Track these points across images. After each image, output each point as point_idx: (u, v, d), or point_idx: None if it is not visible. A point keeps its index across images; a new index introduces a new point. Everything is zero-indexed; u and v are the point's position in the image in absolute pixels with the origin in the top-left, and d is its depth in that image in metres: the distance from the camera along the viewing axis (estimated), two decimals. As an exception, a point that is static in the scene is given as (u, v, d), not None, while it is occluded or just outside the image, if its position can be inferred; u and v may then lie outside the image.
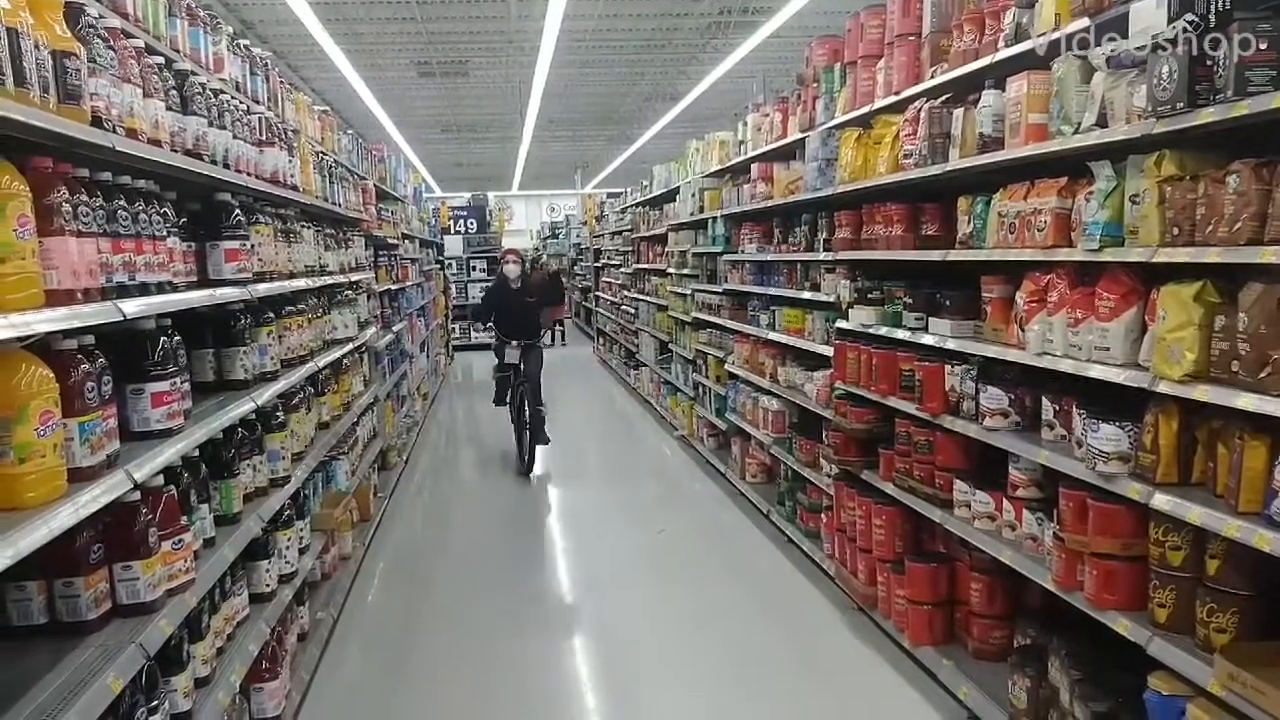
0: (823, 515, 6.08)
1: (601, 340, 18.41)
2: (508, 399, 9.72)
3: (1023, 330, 3.71)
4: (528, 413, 9.17)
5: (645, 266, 13.16)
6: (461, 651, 5.22)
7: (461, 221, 22.09)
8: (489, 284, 21.26)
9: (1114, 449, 3.13)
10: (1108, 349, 3.21)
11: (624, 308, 15.29)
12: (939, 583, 4.62)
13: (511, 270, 9.67)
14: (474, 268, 21.77)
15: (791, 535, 6.66)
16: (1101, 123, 3.24)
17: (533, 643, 5.33)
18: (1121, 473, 3.13)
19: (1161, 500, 2.93)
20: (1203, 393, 2.75)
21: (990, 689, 4.09)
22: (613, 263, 17.40)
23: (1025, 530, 3.84)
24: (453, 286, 20.25)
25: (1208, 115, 2.70)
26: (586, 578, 6.41)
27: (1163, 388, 2.90)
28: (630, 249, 14.87)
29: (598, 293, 19.45)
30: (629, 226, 15.23)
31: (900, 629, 4.83)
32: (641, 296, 13.47)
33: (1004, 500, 4.00)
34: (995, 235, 3.91)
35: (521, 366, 9.30)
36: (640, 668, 5.01)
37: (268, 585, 4.19)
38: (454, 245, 21.29)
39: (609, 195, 21.79)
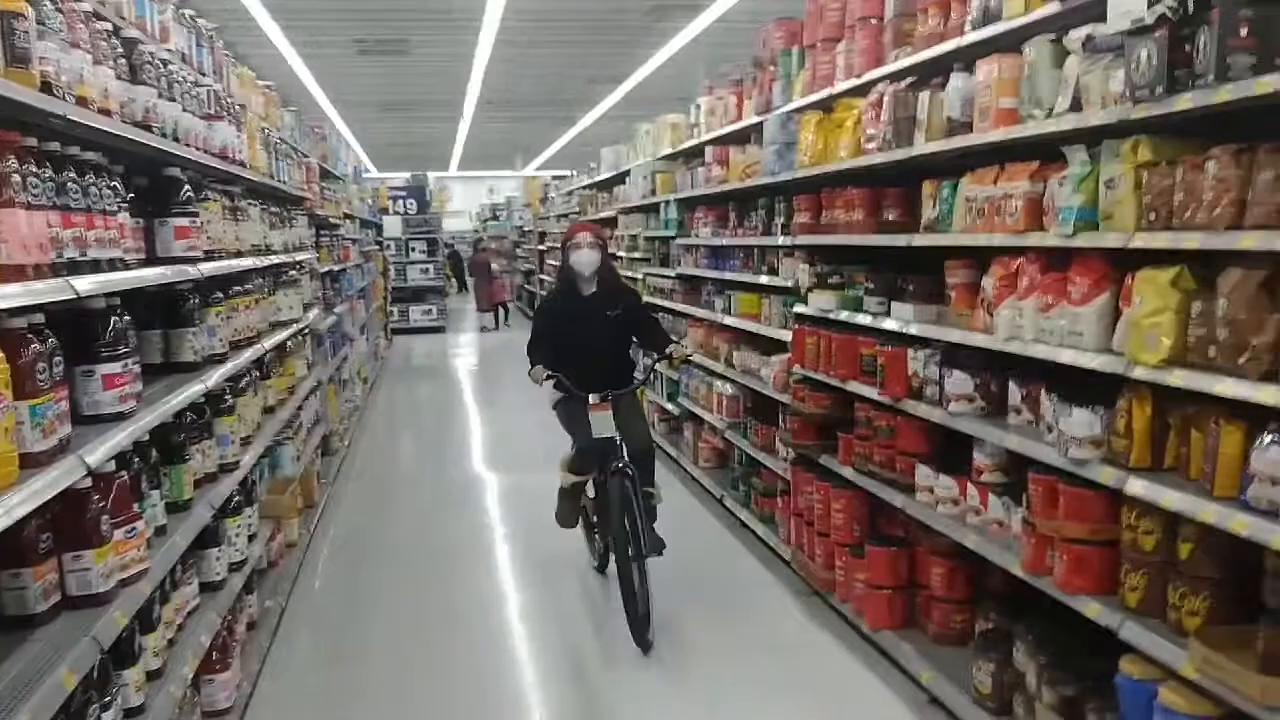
0: (778, 499, 6.06)
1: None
2: (583, 505, 5.81)
3: (991, 315, 3.71)
4: (635, 509, 5.06)
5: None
6: (411, 637, 5.15)
7: (401, 202, 21.77)
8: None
9: (1087, 434, 3.13)
10: (1080, 334, 3.20)
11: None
12: (899, 567, 4.62)
13: (585, 261, 5.43)
14: (413, 249, 21.49)
15: (745, 520, 6.64)
16: (1076, 107, 3.23)
17: (484, 626, 5.30)
18: (1093, 458, 3.13)
19: (1136, 485, 2.93)
20: (1179, 378, 2.75)
21: (951, 673, 4.10)
22: (558, 245, 17.26)
23: (990, 515, 3.84)
24: (392, 268, 19.96)
25: (1186, 101, 2.69)
26: (534, 563, 6.31)
27: (1138, 373, 2.90)
28: (576, 232, 14.75)
29: (542, 275, 19.32)
30: (576, 209, 15.12)
31: (858, 613, 4.82)
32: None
33: (968, 485, 4.00)
34: (963, 219, 3.90)
35: (620, 439, 5.21)
36: (590, 651, 4.97)
37: (218, 574, 4.06)
38: (392, 226, 20.99)
39: (554, 178, 21.62)
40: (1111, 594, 3.14)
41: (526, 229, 23.32)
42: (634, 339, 5.80)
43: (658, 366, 6.53)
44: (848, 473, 4.95)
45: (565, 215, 16.68)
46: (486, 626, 5.32)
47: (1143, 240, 2.89)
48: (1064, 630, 3.53)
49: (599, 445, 5.20)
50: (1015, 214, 3.51)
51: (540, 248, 19.73)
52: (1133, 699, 2.94)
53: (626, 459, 5.17)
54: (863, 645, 4.80)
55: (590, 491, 5.65)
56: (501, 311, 21.96)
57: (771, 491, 6.24)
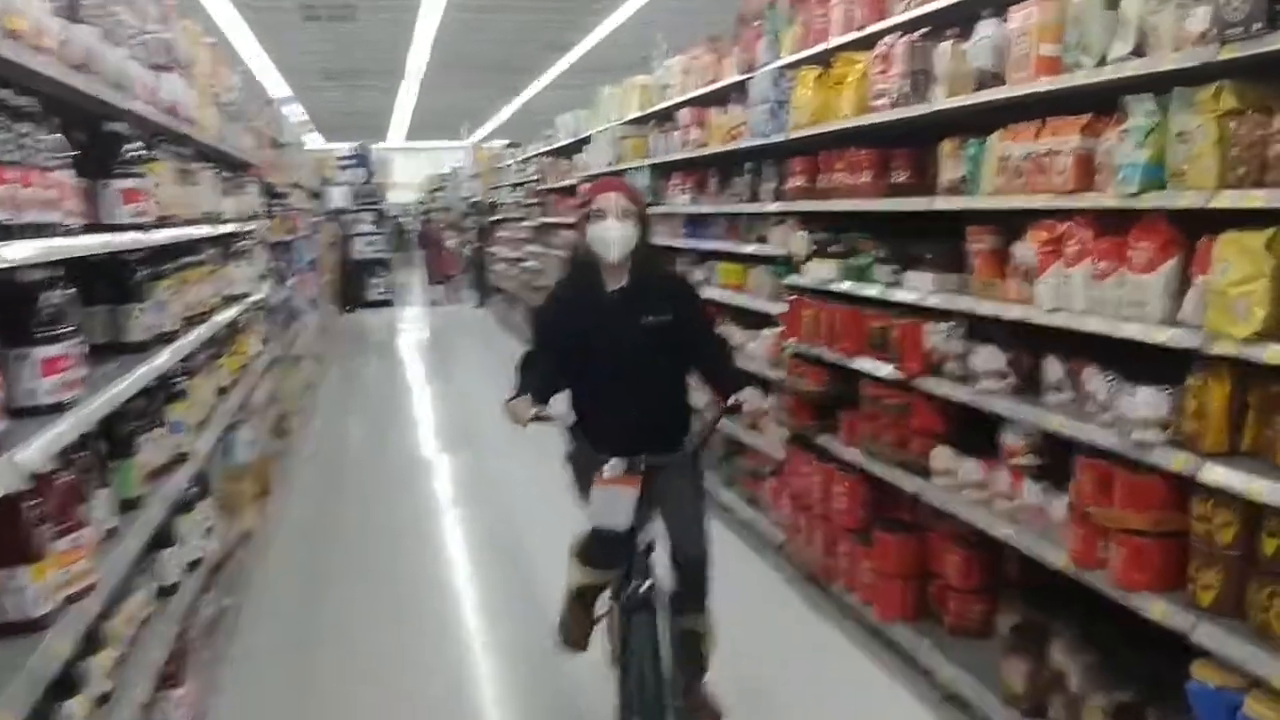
0: (767, 481, 5.75)
1: (500, 298, 17.77)
2: (599, 619, 3.76)
3: (1030, 284, 3.39)
4: (659, 658, 3.31)
5: (554, 220, 12.64)
6: (375, 631, 4.85)
7: (349, 171, 21.09)
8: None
9: (1154, 415, 2.83)
10: (1144, 305, 2.89)
11: (527, 263, 14.72)
12: (910, 555, 4.32)
13: (612, 237, 3.40)
14: (360, 220, 20.84)
15: (729, 503, 6.33)
16: (1139, 52, 2.91)
17: (453, 612, 5.11)
18: (1159, 441, 2.83)
19: (1214, 472, 2.63)
20: (1277, 354, 2.45)
21: (971, 666, 3.83)
22: (512, 215, 16.77)
23: (1025, 501, 3.53)
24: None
25: (1296, 38, 2.38)
26: (509, 550, 5.96)
27: (1220, 348, 2.60)
28: (535, 202, 14.32)
29: (492, 248, 18.81)
30: (535, 177, 14.66)
31: (865, 603, 4.53)
32: (549, 250, 12.96)
33: (996, 469, 3.70)
34: (995, 180, 3.57)
35: (645, 536, 3.43)
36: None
37: (173, 577, 3.65)
38: (339, 196, 20.31)
39: (506, 146, 21.06)
40: (1177, 590, 2.85)
41: (475, 200, 22.70)
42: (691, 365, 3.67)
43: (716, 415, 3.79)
44: (852, 454, 4.64)
45: (520, 184, 16.19)
46: (453, 613, 5.09)
47: (1229, 199, 2.58)
48: (1106, 625, 3.26)
49: (618, 540, 3.33)
50: (1064, 172, 3.18)
51: (492, 218, 19.20)
52: (1211, 709, 2.66)
53: (656, 576, 3.41)
54: (868, 637, 4.53)
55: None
56: (452, 285, 21.49)
57: (759, 473, 5.93)
